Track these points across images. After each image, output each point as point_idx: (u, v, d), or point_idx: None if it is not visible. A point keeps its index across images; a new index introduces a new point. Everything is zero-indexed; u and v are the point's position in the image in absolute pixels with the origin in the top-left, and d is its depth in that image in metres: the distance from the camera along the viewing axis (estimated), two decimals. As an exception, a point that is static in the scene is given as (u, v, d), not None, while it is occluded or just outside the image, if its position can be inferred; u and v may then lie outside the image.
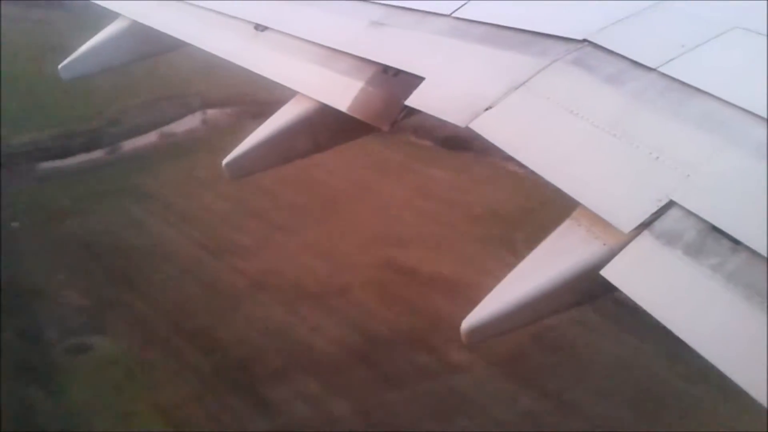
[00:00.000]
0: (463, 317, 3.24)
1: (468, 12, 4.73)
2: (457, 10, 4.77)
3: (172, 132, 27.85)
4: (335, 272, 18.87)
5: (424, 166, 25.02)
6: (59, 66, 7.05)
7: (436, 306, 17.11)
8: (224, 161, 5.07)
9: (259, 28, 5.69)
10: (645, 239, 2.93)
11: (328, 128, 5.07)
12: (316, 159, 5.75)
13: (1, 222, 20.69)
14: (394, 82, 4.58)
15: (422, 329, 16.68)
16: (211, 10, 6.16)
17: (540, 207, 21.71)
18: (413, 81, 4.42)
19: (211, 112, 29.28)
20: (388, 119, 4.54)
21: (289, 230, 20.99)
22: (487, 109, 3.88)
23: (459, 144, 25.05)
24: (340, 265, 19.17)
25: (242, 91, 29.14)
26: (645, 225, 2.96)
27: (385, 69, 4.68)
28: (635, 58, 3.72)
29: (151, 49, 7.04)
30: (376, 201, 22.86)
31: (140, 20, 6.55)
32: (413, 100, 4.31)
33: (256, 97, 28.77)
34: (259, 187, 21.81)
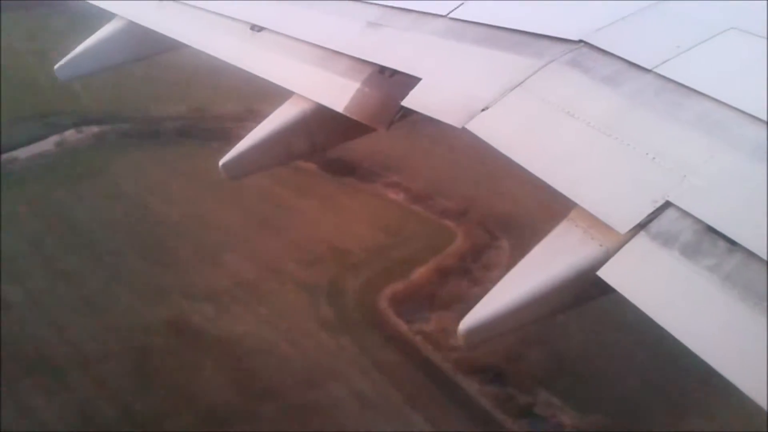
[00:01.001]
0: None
1: (464, 13, 4.73)
2: (453, 11, 4.77)
3: (14, 158, 25.33)
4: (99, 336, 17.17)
5: (293, 195, 23.74)
6: (55, 66, 7.02)
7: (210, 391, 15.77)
8: (221, 162, 5.05)
9: (256, 28, 5.68)
10: (641, 240, 2.94)
11: (324, 129, 5.06)
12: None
13: None
14: (391, 82, 4.57)
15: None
16: (207, 10, 6.15)
17: (402, 242, 21.25)
18: (410, 82, 4.42)
19: (69, 134, 27.27)
20: (384, 120, 4.54)
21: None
22: (483, 110, 3.88)
23: (343, 168, 24.32)
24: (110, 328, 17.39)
25: (138, 106, 28.77)
26: (641, 226, 2.96)
27: (382, 70, 4.68)
28: (631, 59, 3.73)
29: (147, 49, 7.02)
30: (202, 239, 21.32)
31: (136, 21, 6.53)
32: (409, 101, 4.31)
33: (149, 113, 28.36)
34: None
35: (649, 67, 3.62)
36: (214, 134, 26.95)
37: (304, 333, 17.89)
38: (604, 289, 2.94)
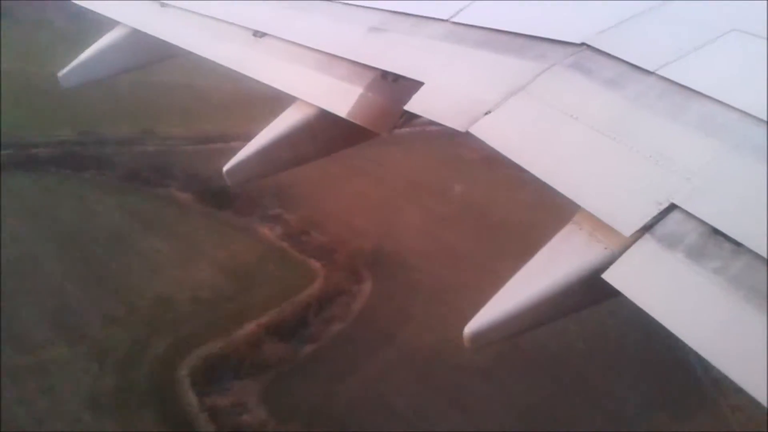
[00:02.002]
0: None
1: (466, 17, 4.74)
2: (455, 14, 4.78)
3: None
4: None
5: (140, 231, 21.98)
6: (59, 74, 7.04)
7: None
8: (225, 168, 5.06)
9: (258, 34, 5.69)
10: (647, 243, 2.94)
11: (327, 134, 5.07)
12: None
13: None
14: (394, 87, 4.58)
15: None
16: (209, 17, 6.16)
17: (246, 289, 19.60)
18: (412, 86, 4.43)
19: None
20: (387, 125, 4.55)
21: None
22: (486, 114, 3.88)
23: (221, 200, 23.09)
24: None
25: (16, 130, 26.17)
26: (646, 228, 2.96)
27: (384, 74, 4.69)
28: (634, 62, 3.73)
29: (151, 56, 7.04)
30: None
31: (140, 28, 6.55)
32: (412, 105, 4.32)
33: (28, 138, 25.85)
34: None
35: (651, 70, 3.63)
36: (91, 162, 25.54)
37: (63, 414, 15.51)
38: (610, 291, 2.94)
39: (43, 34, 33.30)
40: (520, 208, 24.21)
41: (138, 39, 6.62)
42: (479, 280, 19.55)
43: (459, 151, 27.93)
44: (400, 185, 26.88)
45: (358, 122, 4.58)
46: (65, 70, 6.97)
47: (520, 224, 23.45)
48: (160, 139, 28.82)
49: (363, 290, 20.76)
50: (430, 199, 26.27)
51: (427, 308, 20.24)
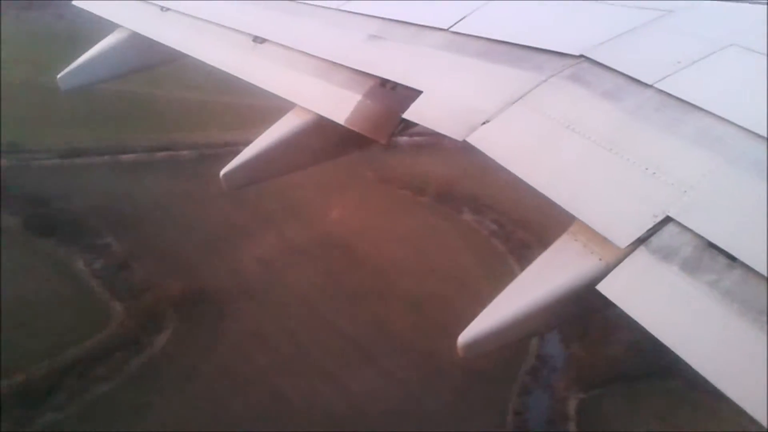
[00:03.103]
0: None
1: (465, 26, 4.76)
2: (454, 24, 4.80)
3: None
4: None
5: None
6: (58, 76, 7.04)
7: None
8: (222, 172, 5.06)
9: (258, 40, 5.70)
10: (641, 255, 2.94)
11: (325, 141, 5.07)
12: None
13: None
14: (392, 95, 4.59)
15: None
16: (210, 22, 6.18)
17: (22, 331, 16.67)
18: (411, 94, 4.44)
19: None
20: (385, 132, 4.55)
21: None
22: (484, 123, 3.89)
23: (45, 227, 21.18)
24: None
25: None
26: (641, 240, 2.96)
27: (383, 82, 4.70)
28: (632, 74, 3.74)
29: (151, 60, 7.06)
30: None
31: (140, 31, 6.56)
32: (411, 114, 4.33)
33: None
34: None
35: (649, 83, 3.64)
36: None
37: None
38: (604, 303, 2.94)
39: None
40: (391, 241, 23.48)
41: (138, 42, 6.64)
42: (309, 332, 18.49)
43: (361, 170, 27.19)
44: (269, 208, 25.02)
45: (356, 129, 4.59)
46: (64, 72, 6.98)
47: (381, 262, 22.28)
48: (26, 152, 26.52)
49: (155, 343, 18.02)
50: (295, 225, 24.27)
51: (223, 370, 17.47)
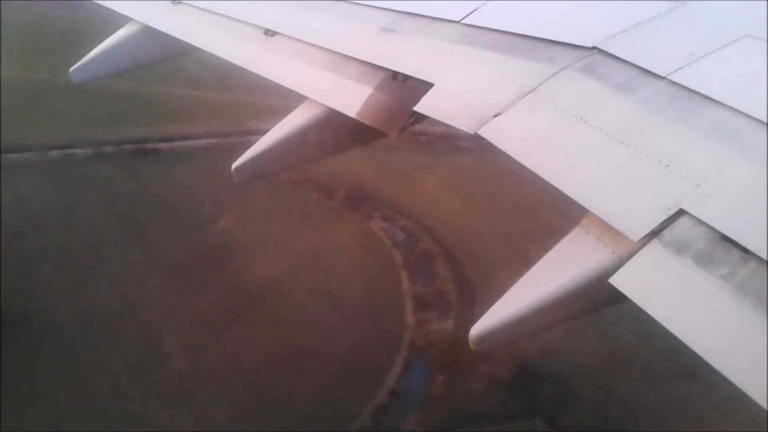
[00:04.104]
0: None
1: (477, 18, 4.74)
2: (466, 16, 4.78)
3: None
4: None
5: None
6: (70, 69, 7.08)
7: None
8: (233, 165, 5.08)
9: (269, 33, 5.71)
10: (654, 248, 2.93)
11: (336, 133, 5.08)
12: None
13: None
14: (403, 88, 4.58)
15: None
16: (221, 14, 6.19)
17: None
18: (422, 87, 4.43)
19: None
20: (396, 125, 4.55)
21: None
22: (495, 116, 3.88)
23: None
24: None
25: None
26: (654, 233, 2.95)
27: (395, 75, 4.69)
28: (645, 66, 3.72)
29: (162, 53, 7.07)
30: None
31: (151, 24, 6.58)
32: (422, 107, 4.32)
33: None
34: None
35: (662, 75, 3.61)
36: None
37: None
38: (617, 296, 2.93)
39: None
40: (276, 255, 21.71)
41: (149, 36, 6.65)
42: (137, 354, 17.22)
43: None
44: (143, 214, 23.58)
45: (367, 122, 4.59)
46: (77, 66, 7.01)
47: (254, 280, 20.46)
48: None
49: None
50: (169, 234, 22.59)
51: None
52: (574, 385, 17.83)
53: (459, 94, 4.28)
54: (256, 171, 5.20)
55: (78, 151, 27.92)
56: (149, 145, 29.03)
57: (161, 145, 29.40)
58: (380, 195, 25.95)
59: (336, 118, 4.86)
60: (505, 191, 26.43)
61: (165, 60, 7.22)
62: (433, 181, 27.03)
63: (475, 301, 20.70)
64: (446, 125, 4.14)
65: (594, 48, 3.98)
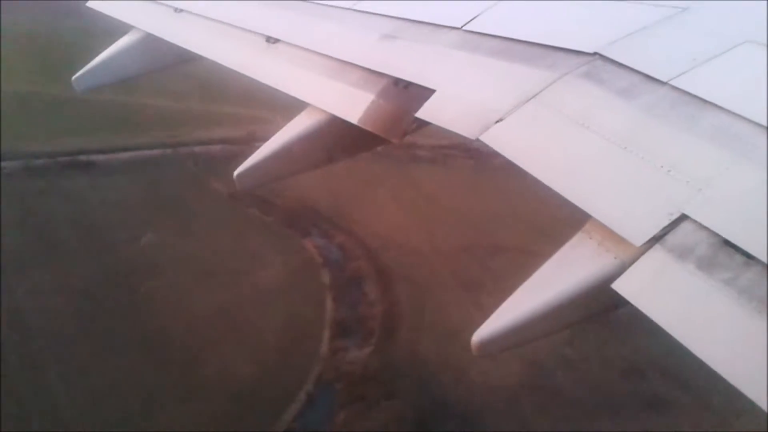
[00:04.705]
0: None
1: (479, 25, 4.75)
2: (468, 23, 4.79)
3: None
4: None
5: None
6: (72, 77, 7.10)
7: None
8: (235, 172, 5.08)
9: (271, 40, 5.73)
10: (657, 253, 2.92)
11: (338, 140, 5.08)
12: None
13: None
14: (405, 94, 4.59)
15: None
16: (223, 22, 6.21)
17: None
18: (424, 93, 4.43)
19: None
20: (398, 131, 4.55)
21: None
22: (497, 122, 3.88)
23: None
24: None
25: None
26: (657, 239, 2.94)
27: (396, 81, 4.70)
28: (647, 72, 3.72)
29: (165, 61, 7.09)
30: None
31: (154, 33, 6.60)
32: (424, 113, 4.32)
33: None
34: None
35: (664, 80, 3.61)
36: None
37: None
38: (619, 301, 2.92)
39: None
40: (197, 279, 20.99)
41: (152, 43, 6.68)
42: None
43: (213, 183, 25.12)
44: (61, 236, 22.61)
45: (369, 129, 4.59)
46: (79, 74, 7.04)
47: (163, 308, 19.47)
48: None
49: None
50: (85, 252, 21.64)
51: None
52: (485, 423, 17.11)
53: (460, 101, 4.28)
54: (258, 178, 5.20)
55: (5, 163, 26.44)
56: (83, 158, 27.83)
57: (97, 157, 28.15)
58: (323, 210, 25.29)
59: (338, 125, 4.87)
60: (458, 205, 26.23)
61: (167, 68, 7.25)
62: (382, 194, 26.48)
63: (399, 326, 20.18)
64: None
65: (595, 54, 3.98)
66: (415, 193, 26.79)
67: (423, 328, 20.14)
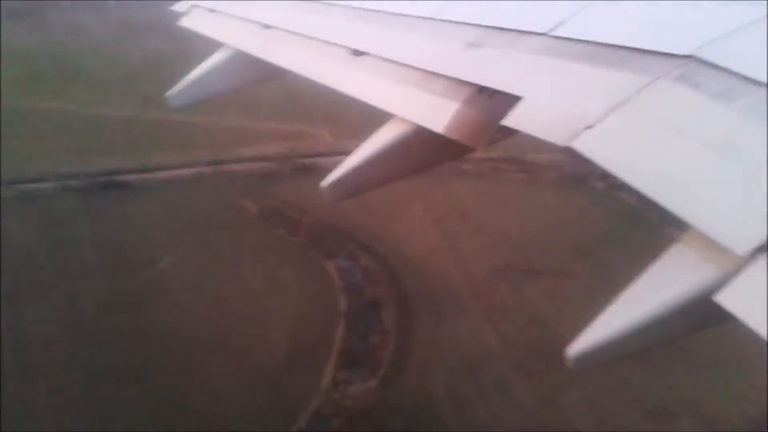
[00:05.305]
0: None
1: (566, 30, 4.68)
2: (554, 28, 4.73)
3: None
4: None
5: None
6: (166, 94, 7.43)
7: None
8: (323, 183, 5.18)
9: (357, 53, 5.83)
10: (762, 263, 2.80)
11: (424, 150, 5.11)
12: None
13: None
14: (491, 102, 4.57)
15: None
16: (310, 37, 6.37)
17: None
18: (510, 101, 4.40)
19: None
20: (484, 140, 4.55)
21: None
22: (588, 128, 3.81)
23: None
24: None
25: None
26: (762, 248, 2.82)
27: (482, 89, 4.69)
28: (744, 74, 3.57)
29: (254, 77, 7.33)
30: None
31: (244, 49, 6.84)
32: (510, 120, 4.29)
33: None
34: None
35: (764, 82, 3.46)
36: None
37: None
38: (722, 315, 2.81)
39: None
40: (208, 307, 20.16)
41: (242, 60, 6.92)
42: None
43: (244, 202, 24.79)
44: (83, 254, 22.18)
45: (455, 138, 4.60)
46: (174, 91, 7.36)
47: (168, 342, 18.76)
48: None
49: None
50: (102, 276, 21.22)
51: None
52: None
53: (548, 107, 4.23)
54: (345, 189, 5.28)
55: (41, 185, 26.71)
56: (120, 177, 27.70)
57: (133, 177, 27.96)
58: (353, 229, 24.23)
59: (423, 135, 4.90)
60: (498, 223, 24.89)
61: (257, 83, 7.48)
62: (418, 212, 25.38)
63: (411, 358, 19.08)
64: None
65: (690, 56, 3.85)
66: (453, 211, 25.71)
67: (435, 361, 19.06)
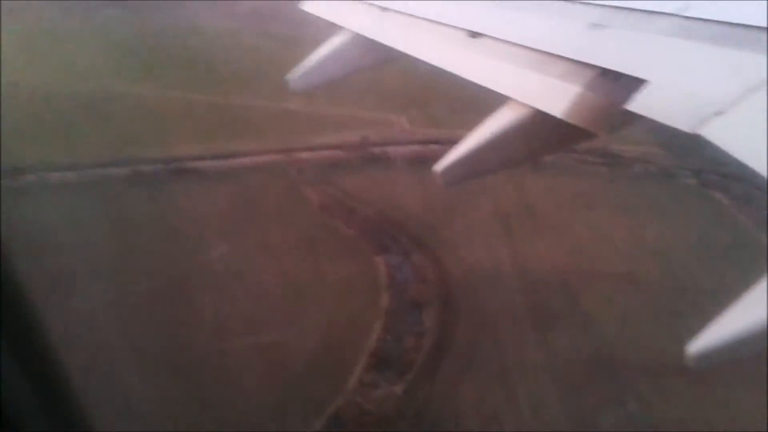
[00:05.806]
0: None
1: (697, 10, 4.44)
2: (684, 8, 4.51)
3: None
4: None
5: None
6: (287, 77, 7.65)
7: None
8: (437, 167, 5.17)
9: (474, 35, 5.78)
10: None
11: (542, 135, 5.01)
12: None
13: None
14: (614, 85, 4.43)
15: None
16: (427, 19, 6.37)
17: None
18: (635, 84, 4.25)
19: None
20: (606, 125, 4.42)
21: None
22: (717, 114, 3.63)
23: None
24: None
25: None
26: None
27: (605, 72, 4.55)
28: None
29: (371, 60, 7.42)
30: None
31: (362, 32, 6.94)
32: (634, 105, 4.14)
33: None
34: None
35: None
36: None
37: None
38: None
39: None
40: (247, 298, 19.61)
41: (361, 43, 7.03)
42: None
43: (308, 192, 23.81)
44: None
45: (575, 122, 4.50)
46: (296, 75, 7.57)
47: (195, 330, 18.66)
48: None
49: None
50: (138, 267, 20.82)
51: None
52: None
53: (676, 92, 4.05)
54: (458, 174, 5.23)
55: (112, 170, 26.77)
56: (190, 164, 27.56)
57: (205, 164, 27.83)
58: (411, 223, 23.18)
59: (541, 119, 4.80)
60: (567, 221, 23.01)
61: (374, 66, 7.57)
62: (484, 207, 23.52)
63: (444, 363, 17.96)
64: None
65: None
66: (522, 207, 23.73)
67: (469, 368, 17.99)
